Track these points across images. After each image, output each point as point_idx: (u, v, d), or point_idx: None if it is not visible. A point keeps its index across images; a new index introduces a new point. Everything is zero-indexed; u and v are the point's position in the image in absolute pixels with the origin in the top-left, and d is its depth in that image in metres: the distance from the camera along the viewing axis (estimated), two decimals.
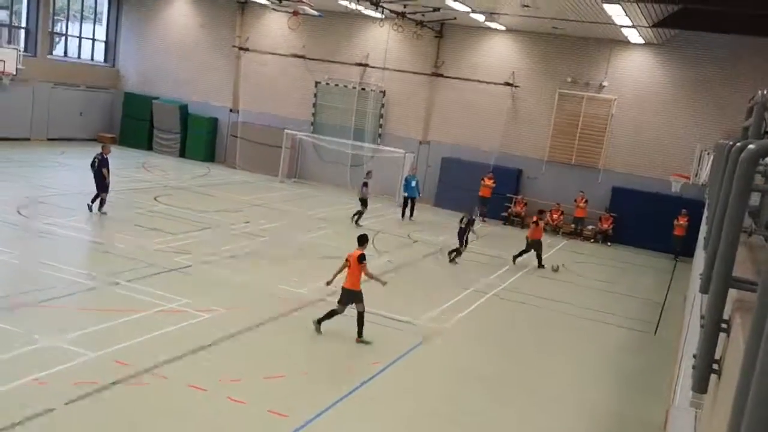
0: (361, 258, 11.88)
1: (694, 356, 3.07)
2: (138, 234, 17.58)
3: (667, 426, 9.29)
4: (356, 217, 22.89)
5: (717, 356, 2.93)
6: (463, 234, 19.36)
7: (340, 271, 12.19)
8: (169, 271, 14.75)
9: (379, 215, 25.42)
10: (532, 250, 20.09)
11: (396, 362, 11.36)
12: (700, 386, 2.94)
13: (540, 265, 20.00)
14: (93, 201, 19.00)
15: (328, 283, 12.34)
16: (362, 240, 12.44)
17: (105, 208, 19.11)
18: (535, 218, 20.44)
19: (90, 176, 19.35)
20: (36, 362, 9.46)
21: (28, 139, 31.69)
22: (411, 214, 25.64)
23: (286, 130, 30.77)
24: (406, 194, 25.86)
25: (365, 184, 23.51)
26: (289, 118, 31.91)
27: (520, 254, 20.22)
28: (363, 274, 11.95)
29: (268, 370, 10.33)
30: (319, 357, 11.19)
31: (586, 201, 26.24)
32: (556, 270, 19.18)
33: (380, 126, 30.71)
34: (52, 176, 24.38)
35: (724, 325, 2.88)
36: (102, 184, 18.93)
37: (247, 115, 32.94)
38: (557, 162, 27.75)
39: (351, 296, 11.92)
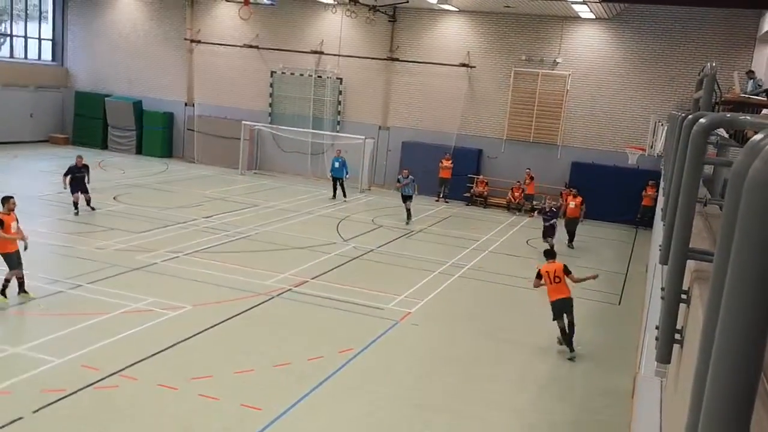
0: (566, 270, 12.00)
1: (657, 327, 3.15)
2: (98, 235, 17.26)
3: (635, 396, 9.52)
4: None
5: (679, 326, 3.01)
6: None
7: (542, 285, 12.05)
8: (132, 270, 14.53)
9: (343, 202, 25.37)
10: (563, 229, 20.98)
11: (366, 349, 11.40)
12: (664, 356, 3.01)
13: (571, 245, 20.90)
14: (88, 204, 19.71)
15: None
16: (551, 254, 12.54)
17: (85, 208, 19.74)
18: (577, 198, 21.21)
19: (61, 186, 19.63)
20: (0, 372, 9.25)
21: None
22: (344, 195, 25.84)
23: (243, 122, 30.43)
24: (332, 175, 26.12)
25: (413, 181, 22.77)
26: (246, 109, 31.56)
27: (571, 239, 21.00)
28: (571, 281, 12.06)
29: (238, 365, 10.27)
30: (288, 349, 11.16)
31: (532, 177, 26.55)
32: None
33: (339, 113, 30.57)
34: (5, 181, 23.70)
35: (684, 296, 2.95)
36: (77, 188, 19.48)
37: (203, 108, 32.46)
38: (516, 140, 28.01)
39: (567, 304, 11.93)
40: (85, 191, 19.67)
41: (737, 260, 1.15)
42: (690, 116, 3.64)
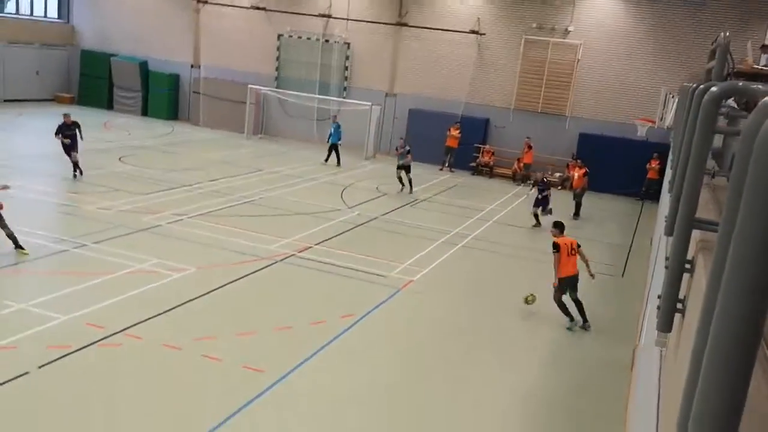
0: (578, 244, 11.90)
1: (659, 296, 3.14)
2: (104, 195, 17.30)
3: (634, 365, 9.59)
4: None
5: (681, 296, 3.00)
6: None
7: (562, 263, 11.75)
8: (137, 231, 14.59)
9: (348, 169, 25.32)
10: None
11: (367, 316, 11.48)
12: (665, 325, 3.01)
13: (578, 216, 21.09)
14: (76, 167, 18.95)
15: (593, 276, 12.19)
16: (561, 226, 12.36)
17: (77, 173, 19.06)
18: (583, 169, 21.23)
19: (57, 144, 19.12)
20: (6, 327, 9.36)
21: None
22: (338, 161, 25.59)
23: (250, 86, 30.23)
24: (330, 140, 25.92)
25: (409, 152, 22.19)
26: (253, 72, 31.33)
27: (577, 210, 21.23)
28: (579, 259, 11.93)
29: (241, 327, 10.36)
30: (290, 313, 11.24)
31: (530, 146, 26.39)
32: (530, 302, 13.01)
33: (346, 79, 30.33)
34: (10, 138, 23.71)
35: (687, 266, 2.94)
36: (71, 147, 18.84)
37: (210, 70, 32.24)
38: (524, 110, 27.79)
39: (576, 280, 11.84)
40: (76, 150, 18.99)
41: (744, 220, 1.13)
42: (701, 86, 3.59)
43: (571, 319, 11.98)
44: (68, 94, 34.35)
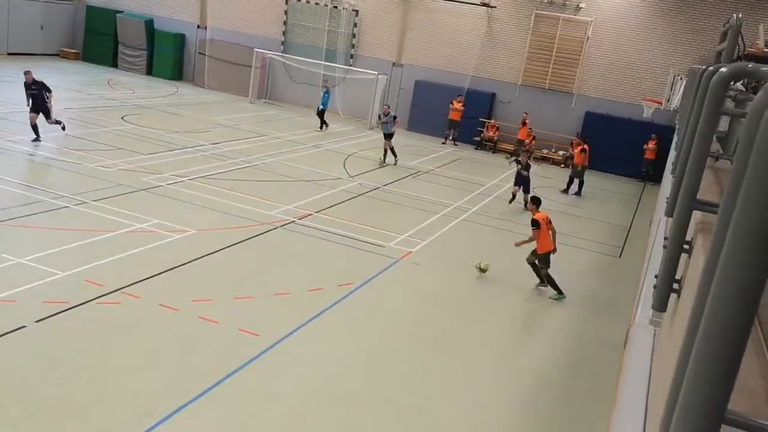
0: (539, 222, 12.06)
1: (656, 276, 3.15)
2: (105, 153, 17.26)
3: (627, 344, 9.66)
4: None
5: (678, 277, 3.01)
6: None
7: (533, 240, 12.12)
8: (137, 191, 14.59)
9: (352, 137, 25.23)
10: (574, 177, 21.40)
11: (365, 284, 11.53)
12: (660, 304, 3.03)
13: (567, 191, 21.39)
14: (58, 123, 17.92)
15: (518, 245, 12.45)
16: (538, 201, 12.72)
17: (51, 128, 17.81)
18: (582, 146, 21.32)
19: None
20: (5, 281, 9.41)
21: None
22: (324, 125, 25.73)
23: (255, 49, 29.96)
24: (320, 107, 25.94)
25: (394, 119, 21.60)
26: (259, 36, 31.04)
27: (569, 186, 21.35)
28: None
29: (239, 291, 10.41)
30: (288, 279, 11.29)
31: (525, 122, 26.18)
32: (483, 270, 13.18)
33: (353, 47, 30.05)
34: (14, 92, 23.57)
35: (686, 246, 2.94)
36: (35, 108, 17.48)
37: (216, 32, 31.92)
38: (531, 86, 27.59)
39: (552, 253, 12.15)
40: (44, 111, 17.50)
41: (745, 200, 1.13)
42: (711, 67, 3.56)
43: (560, 293, 12.10)
44: (73, 49, 34.08)
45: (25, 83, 17.76)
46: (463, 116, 27.13)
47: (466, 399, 8.44)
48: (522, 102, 27.58)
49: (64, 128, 18.10)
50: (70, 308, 8.99)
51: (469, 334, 10.44)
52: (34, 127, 17.25)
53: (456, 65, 28.40)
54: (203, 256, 11.55)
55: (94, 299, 9.33)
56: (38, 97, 17.49)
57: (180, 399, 7.31)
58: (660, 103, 22.56)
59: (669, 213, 3.66)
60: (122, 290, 9.71)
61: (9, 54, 31.32)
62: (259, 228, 13.45)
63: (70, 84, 27.11)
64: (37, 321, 8.52)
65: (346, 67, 29.56)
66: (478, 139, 27.59)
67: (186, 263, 11.14)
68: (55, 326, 8.54)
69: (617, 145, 25.63)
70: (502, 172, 23.49)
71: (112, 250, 11.09)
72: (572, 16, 26.74)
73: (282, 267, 11.90)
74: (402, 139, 26.84)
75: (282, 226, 13.84)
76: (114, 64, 33.25)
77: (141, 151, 18.03)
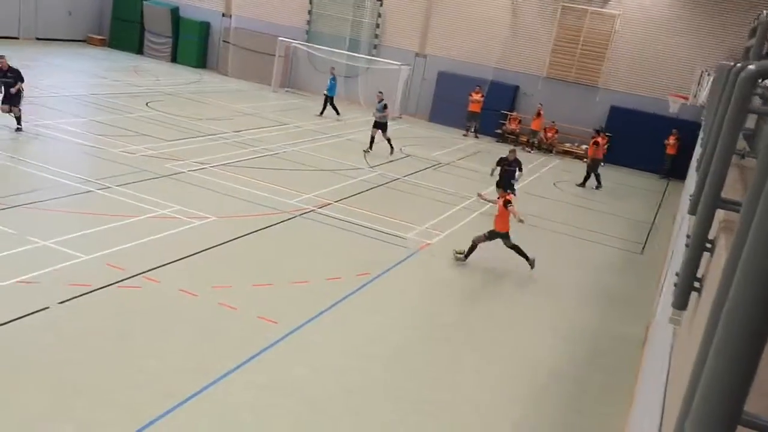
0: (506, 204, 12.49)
1: (677, 274, 3.12)
2: (130, 139, 17.43)
3: (647, 342, 9.59)
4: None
5: (699, 275, 2.98)
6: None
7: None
8: (160, 177, 14.72)
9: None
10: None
11: (383, 275, 11.55)
12: (681, 302, 3.00)
13: (584, 185, 21.16)
14: (18, 121, 16.27)
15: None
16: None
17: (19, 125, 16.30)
18: (594, 138, 21.22)
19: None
20: (29, 262, 9.56)
21: (17, 38, 30.86)
22: (326, 111, 25.77)
23: (279, 38, 30.01)
24: (326, 93, 25.99)
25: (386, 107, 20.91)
26: (283, 25, 31.07)
27: (585, 179, 21.16)
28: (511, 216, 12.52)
29: (258, 278, 10.49)
30: (306, 268, 11.35)
31: (540, 114, 26.05)
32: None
33: (376, 37, 29.99)
34: (41, 77, 23.87)
35: (708, 245, 2.91)
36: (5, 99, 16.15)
37: (240, 21, 32.01)
38: (555, 79, 27.35)
39: (498, 235, 12.52)
40: (13, 103, 16.09)
41: None
42: (739, 64, 3.50)
43: (467, 256, 12.57)
44: (100, 36, 34.39)
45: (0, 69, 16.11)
46: (486, 108, 26.96)
47: (480, 390, 8.44)
48: (545, 95, 27.35)
49: (19, 129, 16.26)
50: (93, 291, 9.12)
51: (485, 326, 10.43)
52: (18, 119, 16.22)
53: (479, 56, 28.23)
54: (223, 243, 11.65)
55: (115, 283, 9.45)
56: (11, 85, 16.07)
57: (199, 383, 7.40)
58: (686, 99, 22.26)
59: (692, 211, 3.62)
60: (143, 275, 9.82)
61: (38, 39, 31.70)
62: (279, 216, 13.52)
63: (97, 70, 27.39)
64: (60, 302, 8.66)
65: (370, 57, 29.50)
66: (499, 131, 27.42)
67: (206, 249, 11.24)
68: (77, 308, 8.67)
69: (642, 141, 25.37)
70: (524, 165, 23.33)
71: (133, 235, 11.22)
72: (599, 9, 26.43)
73: (301, 255, 11.95)
74: (423, 130, 26.80)
75: (301, 214, 13.89)
76: (140, 50, 33.51)
77: (164, 138, 18.18)
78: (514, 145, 26.55)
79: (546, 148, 26.44)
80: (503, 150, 25.81)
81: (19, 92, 16.24)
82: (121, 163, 15.21)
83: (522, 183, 20.35)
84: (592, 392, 8.98)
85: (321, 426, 7.19)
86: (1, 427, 6.28)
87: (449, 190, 18.02)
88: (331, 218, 13.95)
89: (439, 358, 9.15)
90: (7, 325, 7.96)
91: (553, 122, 26.46)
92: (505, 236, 12.58)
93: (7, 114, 16.18)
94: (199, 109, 23.09)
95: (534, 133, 26.22)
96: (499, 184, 16.50)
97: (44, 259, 9.76)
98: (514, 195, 15.85)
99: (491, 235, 12.53)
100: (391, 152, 20.86)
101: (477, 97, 26.93)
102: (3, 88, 16.13)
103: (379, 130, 20.64)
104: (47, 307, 8.48)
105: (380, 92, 21.80)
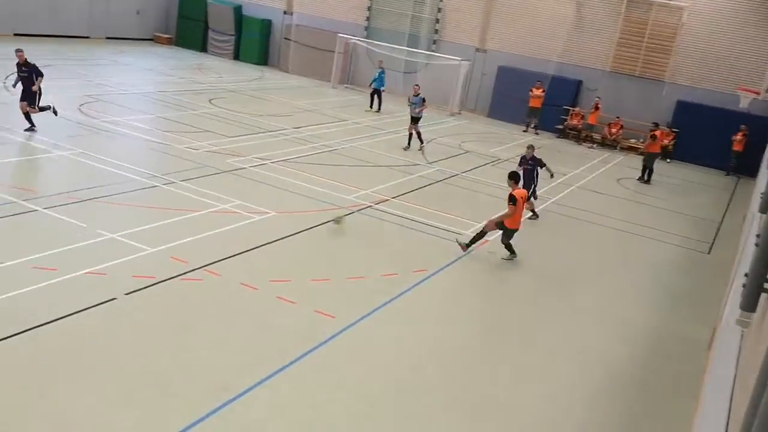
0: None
1: (746, 275, 3.00)
2: (194, 136, 17.86)
3: (713, 345, 9.26)
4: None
5: None
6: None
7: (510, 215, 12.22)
8: (222, 172, 15.04)
9: (432, 124, 25.13)
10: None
11: (439, 272, 11.50)
12: (749, 304, 2.88)
13: (642, 179, 20.86)
14: (27, 119, 15.81)
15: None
16: (516, 177, 12.76)
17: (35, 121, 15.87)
18: (652, 132, 20.94)
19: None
20: (98, 254, 9.92)
21: (88, 38, 32.06)
22: (379, 107, 25.88)
23: (339, 34, 30.23)
24: (374, 86, 26.07)
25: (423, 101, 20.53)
26: (343, 21, 31.27)
27: (643, 173, 20.91)
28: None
29: (316, 273, 10.60)
30: (363, 263, 11.40)
31: (598, 107, 25.83)
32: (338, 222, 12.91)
33: (436, 32, 29.86)
34: (111, 75, 24.72)
35: None
36: (23, 94, 15.76)
37: (301, 18, 32.39)
38: (620, 73, 26.67)
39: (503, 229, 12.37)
40: (29, 97, 15.64)
41: None
42: None
43: (513, 254, 12.35)
44: (166, 34, 35.37)
45: (17, 63, 15.72)
46: (546, 103, 26.52)
47: (537, 391, 8.32)
48: (609, 89, 26.73)
49: (55, 112, 16.28)
50: (157, 283, 9.39)
51: (543, 325, 10.27)
52: (27, 115, 15.70)
53: (541, 51, 27.78)
54: (282, 238, 11.81)
55: (178, 275, 9.71)
56: (28, 80, 15.66)
57: (255, 376, 7.53)
58: (758, 93, 21.38)
59: (763, 209, 3.47)
60: (205, 268, 10.06)
61: (107, 38, 32.84)
62: (337, 212, 13.62)
63: (163, 68, 28.19)
64: (126, 294, 8.95)
65: (429, 52, 29.40)
66: (560, 127, 26.92)
67: (265, 244, 11.43)
68: (142, 299, 8.94)
69: (710, 136, 24.52)
70: (586, 161, 22.90)
71: (196, 229, 11.50)
72: (666, 2, 25.64)
73: (357, 251, 12.02)
74: (482, 126, 26.56)
75: (359, 210, 13.96)
76: (204, 49, 34.31)
77: (226, 134, 18.56)
78: (581, 143, 26.11)
79: (610, 144, 25.85)
80: (564, 146, 25.41)
81: (39, 90, 15.73)
82: (186, 159, 15.60)
83: (582, 181, 19.95)
84: (656, 395, 8.74)
85: (377, 423, 7.21)
86: (71, 412, 6.54)
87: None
88: (388, 214, 13.97)
89: (496, 357, 9.05)
90: (77, 314, 8.28)
91: (618, 117, 25.83)
92: (508, 233, 12.29)
93: (29, 109, 15.67)
94: (261, 106, 23.48)
95: (591, 127, 25.74)
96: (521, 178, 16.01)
97: (112, 252, 10.10)
98: (535, 199, 15.43)
99: (508, 235, 12.39)
100: (422, 145, 20.34)
101: (538, 92, 26.51)
102: (18, 81, 15.75)
103: (415, 123, 20.23)
104: (114, 298, 8.78)
105: (416, 85, 21.57)
